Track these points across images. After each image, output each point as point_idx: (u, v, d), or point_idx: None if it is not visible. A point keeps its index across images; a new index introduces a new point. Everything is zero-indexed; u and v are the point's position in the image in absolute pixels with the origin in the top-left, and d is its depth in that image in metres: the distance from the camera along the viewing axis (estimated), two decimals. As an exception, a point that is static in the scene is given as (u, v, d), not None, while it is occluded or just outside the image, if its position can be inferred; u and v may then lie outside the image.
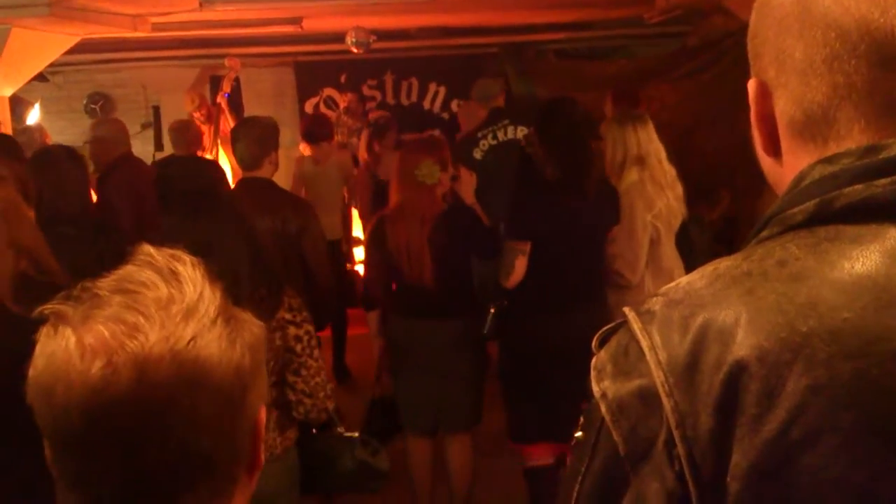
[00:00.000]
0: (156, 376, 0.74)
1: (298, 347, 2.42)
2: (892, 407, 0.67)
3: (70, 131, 9.27)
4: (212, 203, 2.32)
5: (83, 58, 7.42)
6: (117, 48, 7.37)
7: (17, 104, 6.39)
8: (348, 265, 7.19)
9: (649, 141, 3.61)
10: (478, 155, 5.15)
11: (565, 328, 3.06)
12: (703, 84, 6.75)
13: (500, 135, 5.15)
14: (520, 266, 3.25)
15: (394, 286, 3.59)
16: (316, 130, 5.81)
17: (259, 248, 2.38)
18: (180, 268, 0.81)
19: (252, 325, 0.86)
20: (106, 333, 0.75)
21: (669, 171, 3.64)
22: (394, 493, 3.67)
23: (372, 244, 3.53)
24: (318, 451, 2.58)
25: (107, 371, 0.74)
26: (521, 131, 5.07)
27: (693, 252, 3.82)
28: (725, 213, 5.41)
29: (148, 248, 0.83)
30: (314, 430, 2.60)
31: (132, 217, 4.27)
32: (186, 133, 5.59)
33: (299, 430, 2.55)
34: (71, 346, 0.75)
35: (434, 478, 3.66)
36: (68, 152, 3.70)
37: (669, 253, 3.63)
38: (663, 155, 3.64)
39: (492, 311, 3.37)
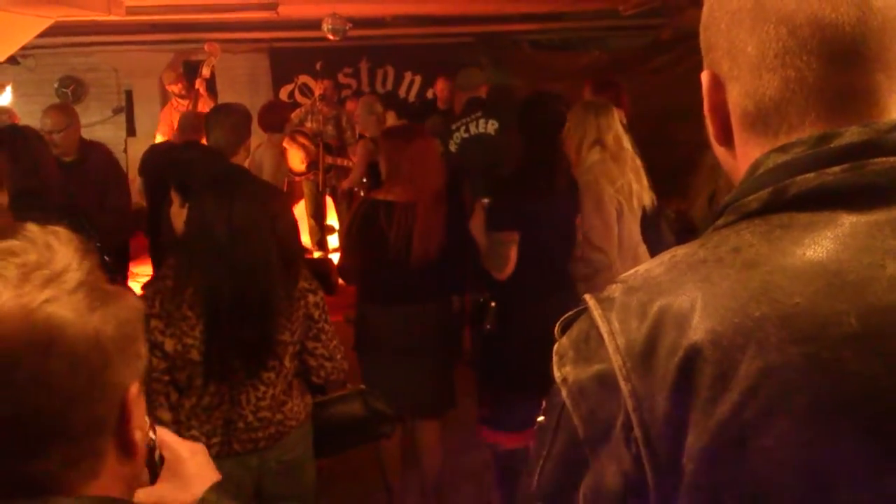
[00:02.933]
0: (4, 332, 0.75)
1: (317, 314, 2.49)
2: (842, 389, 0.68)
3: (40, 114, 9.17)
4: (244, 186, 2.35)
5: (56, 41, 7.35)
6: (90, 32, 7.30)
7: (-12, 86, 6.32)
8: (322, 253, 7.21)
9: (608, 128, 3.69)
10: (453, 147, 5.11)
11: (542, 315, 3.10)
12: (675, 77, 6.82)
13: (473, 128, 5.10)
14: (513, 256, 3.29)
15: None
16: (268, 119, 5.79)
17: (275, 225, 2.43)
18: (54, 241, 0.83)
19: (126, 300, 0.86)
20: None
21: (632, 156, 3.72)
22: (365, 478, 3.71)
23: (360, 229, 3.50)
24: (331, 412, 2.63)
25: None
26: (492, 125, 5.07)
27: (662, 245, 3.88)
28: (703, 205, 5.48)
29: (31, 226, 0.84)
30: (321, 397, 2.64)
31: (96, 203, 4.22)
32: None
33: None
34: None
35: (404, 464, 3.70)
36: (36, 133, 3.68)
37: (634, 229, 3.70)
38: (626, 143, 3.72)
39: (492, 305, 3.39)
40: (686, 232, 4.54)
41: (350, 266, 3.62)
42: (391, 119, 6.65)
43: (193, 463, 1.11)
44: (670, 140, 6.20)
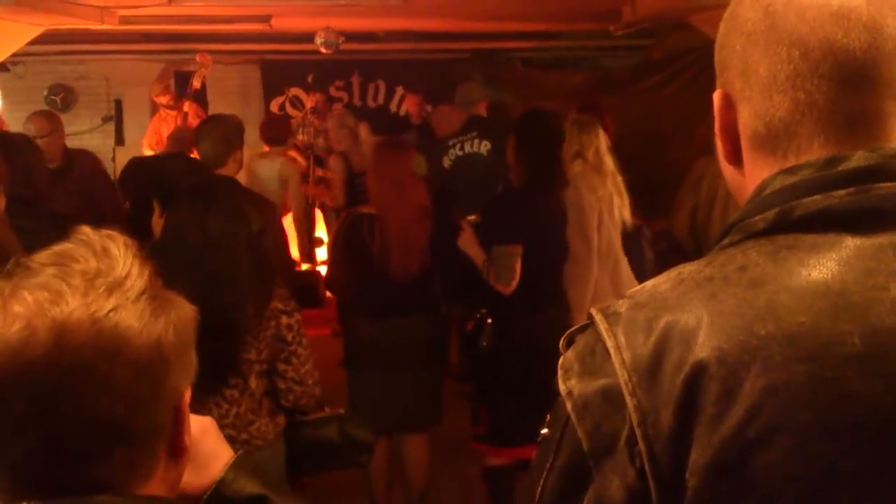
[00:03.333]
0: (73, 341, 0.77)
1: (289, 336, 2.45)
2: (845, 408, 0.70)
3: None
4: (222, 198, 2.33)
5: (46, 49, 7.33)
6: (81, 40, 7.28)
7: (-23, 93, 6.29)
8: (310, 266, 7.19)
9: (590, 143, 3.78)
10: (446, 163, 5.12)
11: (540, 328, 3.11)
12: (664, 97, 6.88)
13: (468, 146, 5.10)
14: (518, 269, 3.30)
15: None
16: (272, 133, 5.82)
17: (253, 240, 2.41)
18: (112, 246, 0.84)
19: (181, 307, 0.88)
20: (30, 299, 0.78)
21: (613, 173, 3.78)
22: (350, 493, 3.69)
23: (344, 242, 3.51)
24: (305, 435, 2.59)
25: (25, 333, 0.76)
26: (485, 146, 5.07)
27: (643, 264, 3.94)
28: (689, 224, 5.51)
29: (85, 228, 0.86)
30: (298, 418, 2.60)
31: (80, 211, 4.18)
32: (185, 133, 5.53)
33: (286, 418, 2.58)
34: None
35: (390, 478, 3.68)
36: (28, 140, 3.66)
37: (614, 237, 3.76)
38: (608, 159, 3.79)
39: (489, 321, 3.39)
40: (670, 252, 4.57)
41: (336, 278, 3.63)
42: (363, 131, 6.64)
43: (207, 443, 1.09)
44: (659, 159, 6.24)
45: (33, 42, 5.17)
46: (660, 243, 4.42)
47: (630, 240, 3.88)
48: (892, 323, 0.71)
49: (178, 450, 0.89)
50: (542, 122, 3.55)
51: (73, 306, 0.78)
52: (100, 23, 5.03)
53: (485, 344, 3.39)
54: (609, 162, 3.80)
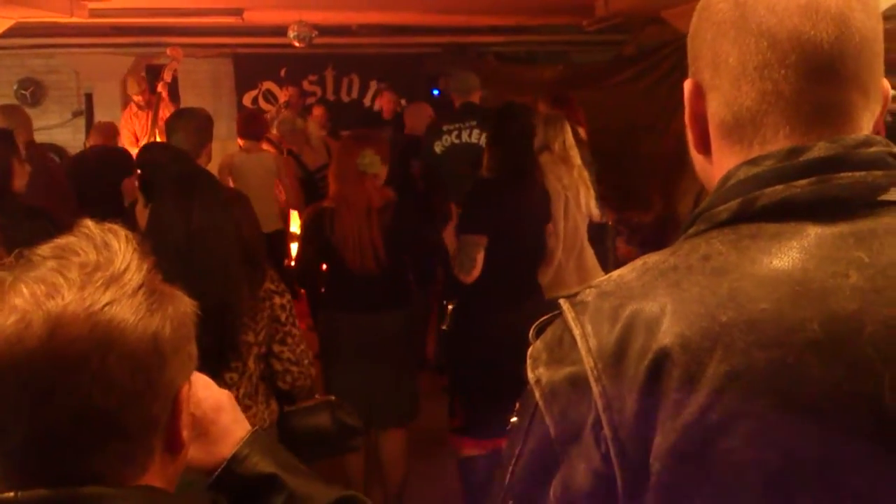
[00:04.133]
0: (67, 334, 0.78)
1: (283, 316, 2.46)
2: (805, 393, 0.71)
3: (-3, 116, 8.99)
4: (203, 188, 2.32)
5: (15, 42, 7.23)
6: (51, 33, 7.19)
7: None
8: (286, 260, 7.16)
9: (555, 137, 3.87)
10: (438, 149, 5.00)
11: (515, 321, 3.13)
12: (638, 91, 6.92)
13: (465, 136, 4.97)
14: (479, 260, 3.32)
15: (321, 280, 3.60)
16: (250, 128, 5.79)
17: (241, 225, 2.40)
18: (113, 240, 0.85)
19: (180, 301, 0.88)
20: (26, 292, 0.79)
21: (580, 167, 3.88)
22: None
23: (307, 236, 3.52)
24: (298, 424, 2.57)
25: (20, 325, 0.77)
26: (484, 137, 5.01)
27: (608, 258, 4.02)
28: (658, 216, 5.57)
29: (88, 222, 0.86)
30: (287, 406, 2.59)
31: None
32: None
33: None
34: None
35: (368, 473, 3.68)
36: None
37: (580, 226, 3.84)
38: (574, 152, 3.89)
39: (450, 307, 3.42)
40: (645, 245, 4.63)
41: (304, 271, 3.63)
42: (312, 126, 6.64)
43: (222, 419, 1.08)
44: (632, 153, 6.29)
45: (2, 35, 5.10)
46: (634, 236, 4.48)
47: (596, 233, 3.95)
48: (851, 309, 0.72)
49: (175, 444, 0.89)
50: (514, 116, 3.58)
51: (68, 299, 0.79)
52: (69, 15, 4.97)
53: (444, 327, 3.44)
54: (575, 155, 3.89)
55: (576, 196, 3.79)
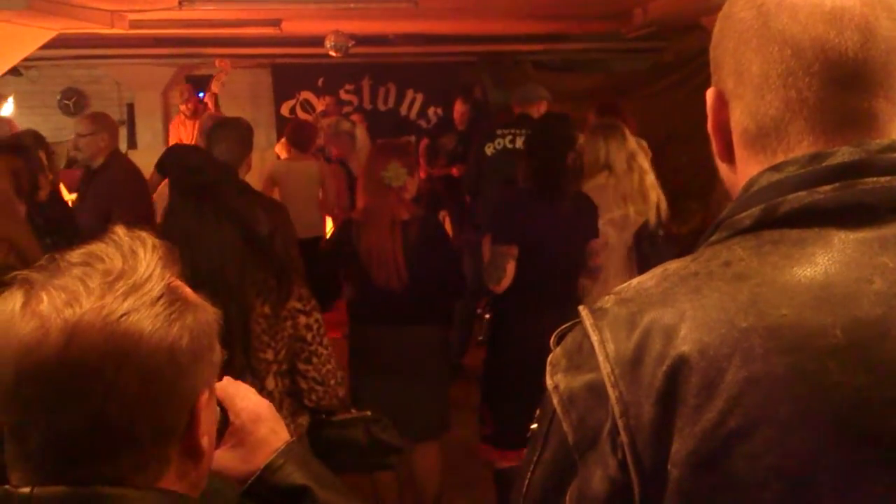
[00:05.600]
0: (83, 343, 0.78)
1: (309, 336, 2.43)
2: (825, 400, 0.69)
3: (43, 126, 9.11)
4: (214, 196, 2.30)
5: (58, 53, 7.36)
6: (93, 44, 7.31)
7: (-10, 98, 6.32)
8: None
9: (619, 150, 3.73)
10: (489, 151, 5.11)
11: (545, 333, 3.09)
12: (677, 100, 6.84)
13: (519, 142, 5.02)
14: (510, 270, 3.29)
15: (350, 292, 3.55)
16: (299, 137, 5.89)
17: (260, 240, 2.38)
18: (140, 248, 0.86)
19: (202, 310, 0.88)
20: (47, 299, 0.80)
21: (642, 179, 3.74)
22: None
23: (331, 247, 3.48)
24: (330, 434, 2.55)
25: (39, 333, 0.78)
26: None
27: (657, 259, 3.93)
28: (696, 228, 5.49)
29: (119, 229, 0.87)
30: (324, 417, 2.56)
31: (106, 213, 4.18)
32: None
33: (310, 418, 2.55)
34: (16, 308, 0.80)
35: (400, 485, 3.66)
36: (27, 146, 3.66)
37: (614, 261, 3.72)
38: (638, 164, 3.74)
39: (487, 317, 3.40)
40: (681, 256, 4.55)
41: (319, 280, 3.56)
42: (361, 134, 6.66)
43: (260, 430, 1.08)
44: (671, 164, 6.20)
45: (46, 46, 5.19)
46: (671, 249, 4.41)
47: (647, 237, 3.84)
48: (875, 315, 0.71)
49: (195, 451, 0.88)
50: (552, 127, 3.55)
51: (85, 308, 0.79)
52: (110, 27, 5.04)
53: (480, 338, 3.42)
54: (642, 165, 3.75)
55: (620, 230, 3.68)
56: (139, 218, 4.52)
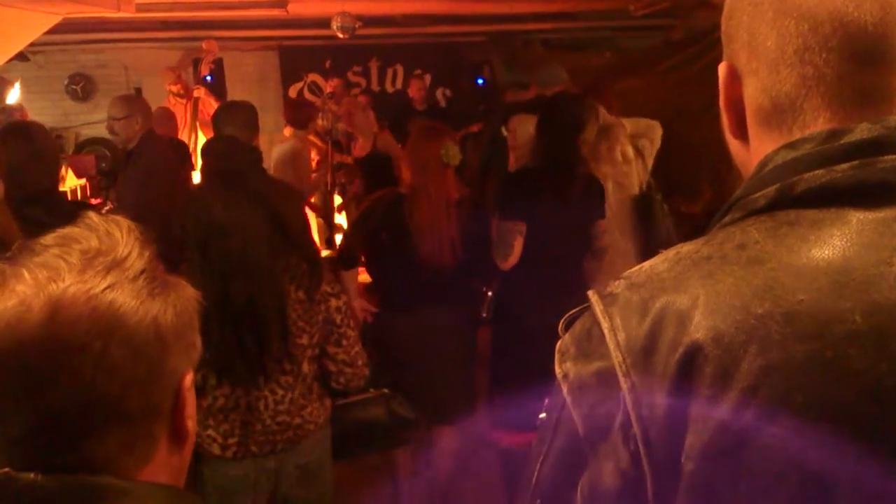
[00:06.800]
0: (67, 317, 0.77)
1: (338, 318, 2.44)
2: (845, 388, 0.67)
3: (50, 111, 9.19)
4: (236, 185, 2.29)
5: (65, 38, 7.36)
6: (100, 29, 7.30)
7: (-3, 83, 6.32)
8: (330, 252, 7.19)
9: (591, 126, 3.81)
10: (505, 132, 5.12)
11: (553, 312, 3.08)
12: (687, 77, 6.77)
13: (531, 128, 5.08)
14: (518, 247, 3.28)
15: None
16: (298, 116, 5.87)
17: (287, 226, 2.36)
18: (115, 230, 0.85)
19: (182, 290, 0.88)
20: (27, 276, 0.78)
21: (611, 148, 3.82)
22: (373, 481, 3.70)
23: (379, 222, 3.42)
24: (353, 416, 2.58)
25: (20, 308, 0.77)
26: None
27: (651, 240, 3.91)
28: (707, 207, 5.45)
29: (91, 213, 0.86)
30: (343, 400, 2.58)
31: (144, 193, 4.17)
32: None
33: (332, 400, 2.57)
34: None
35: (416, 466, 3.67)
36: (43, 130, 3.66)
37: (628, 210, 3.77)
38: (611, 137, 3.82)
39: (489, 294, 3.40)
40: (694, 236, 4.52)
41: (347, 257, 3.53)
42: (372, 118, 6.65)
43: None
44: (681, 141, 6.16)
45: (52, 31, 5.18)
46: (683, 227, 4.38)
47: (641, 208, 3.86)
48: (895, 299, 0.68)
49: (180, 433, 0.88)
50: (561, 107, 3.52)
51: (68, 282, 0.78)
52: (116, 10, 5.02)
53: (484, 315, 3.41)
54: (618, 133, 3.84)
55: (622, 177, 3.70)
56: (171, 199, 4.52)
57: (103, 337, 0.78)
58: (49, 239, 0.83)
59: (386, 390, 2.70)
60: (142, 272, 0.82)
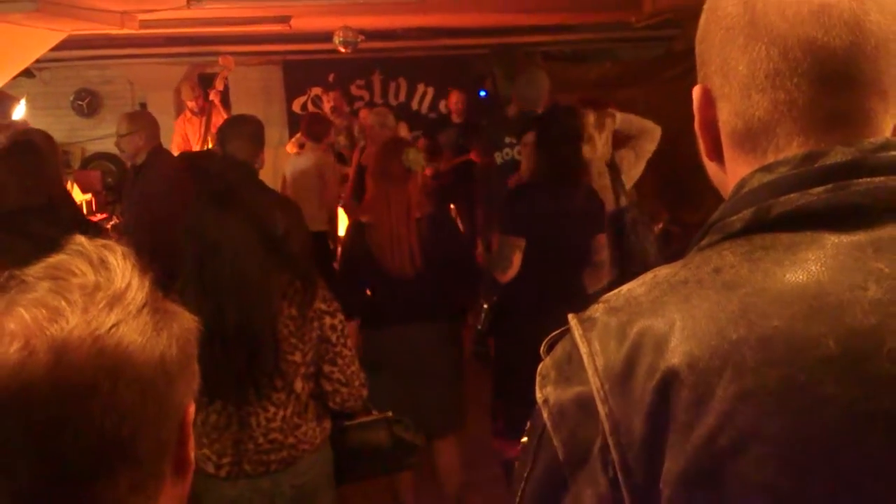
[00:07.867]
0: (74, 360, 0.73)
1: (334, 337, 2.41)
2: (818, 413, 0.67)
3: (56, 127, 9.21)
4: (233, 203, 2.28)
5: (70, 54, 7.40)
6: (105, 45, 7.34)
7: (3, 100, 6.36)
8: (334, 263, 7.21)
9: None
10: (498, 160, 4.98)
11: (551, 325, 3.09)
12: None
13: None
14: (516, 261, 3.31)
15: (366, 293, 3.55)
16: (316, 130, 5.96)
17: (276, 241, 2.36)
18: (110, 257, 0.80)
19: (183, 319, 0.84)
20: (27, 317, 0.73)
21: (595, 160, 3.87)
22: (375, 499, 3.70)
23: (348, 243, 3.49)
24: (354, 439, 2.55)
25: (23, 353, 0.72)
26: None
27: (632, 255, 3.91)
28: (708, 216, 5.44)
29: (80, 238, 0.82)
30: (345, 422, 2.56)
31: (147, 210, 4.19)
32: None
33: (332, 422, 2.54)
34: None
35: (417, 482, 3.67)
36: (49, 145, 3.68)
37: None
38: (598, 144, 3.90)
39: (485, 306, 3.42)
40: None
41: (343, 280, 3.54)
42: (403, 131, 6.66)
43: None
44: (682, 152, 6.16)
45: (57, 48, 5.22)
46: (678, 242, 4.38)
47: (617, 223, 3.87)
48: (869, 324, 0.68)
49: (184, 465, 0.86)
50: (558, 120, 3.54)
51: (73, 323, 0.74)
52: (120, 27, 5.06)
53: (479, 327, 3.44)
54: (598, 148, 3.91)
55: (600, 191, 3.74)
56: (174, 215, 4.53)
57: (111, 379, 0.74)
58: (39, 270, 0.78)
59: (390, 413, 2.67)
60: (144, 305, 0.79)
